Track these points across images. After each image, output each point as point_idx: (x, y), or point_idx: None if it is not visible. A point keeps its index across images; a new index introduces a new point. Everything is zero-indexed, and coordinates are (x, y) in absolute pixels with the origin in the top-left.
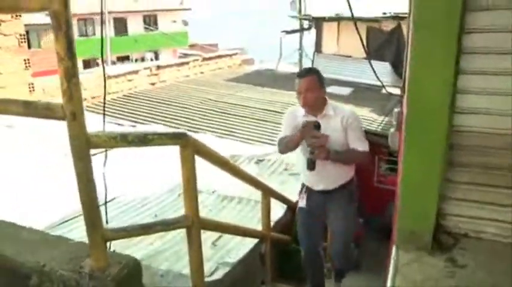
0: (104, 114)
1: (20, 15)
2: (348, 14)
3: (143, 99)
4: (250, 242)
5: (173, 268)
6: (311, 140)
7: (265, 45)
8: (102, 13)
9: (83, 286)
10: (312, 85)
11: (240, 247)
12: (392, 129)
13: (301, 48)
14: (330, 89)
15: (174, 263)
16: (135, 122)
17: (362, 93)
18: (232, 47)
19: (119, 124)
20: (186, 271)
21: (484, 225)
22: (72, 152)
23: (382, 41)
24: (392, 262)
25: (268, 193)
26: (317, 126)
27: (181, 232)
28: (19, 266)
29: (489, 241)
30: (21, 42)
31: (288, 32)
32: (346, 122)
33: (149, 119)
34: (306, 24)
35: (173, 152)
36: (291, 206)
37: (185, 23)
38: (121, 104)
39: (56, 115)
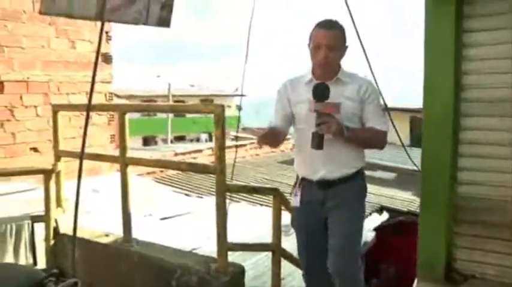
0: (233, 171)
1: (112, 99)
2: (393, 104)
3: (205, 174)
4: None
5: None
6: (317, 107)
7: None
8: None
9: (212, 276)
10: (336, 43)
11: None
12: None
13: None
14: (373, 174)
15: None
16: (199, 193)
17: (405, 178)
18: None
19: (186, 195)
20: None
21: (486, 268)
22: (216, 192)
23: None
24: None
25: None
26: (324, 89)
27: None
28: (169, 265)
29: (490, 280)
30: (111, 120)
31: None
32: (364, 93)
33: (211, 192)
34: None
35: None
36: None
37: (239, 108)
38: (187, 177)
39: (210, 170)
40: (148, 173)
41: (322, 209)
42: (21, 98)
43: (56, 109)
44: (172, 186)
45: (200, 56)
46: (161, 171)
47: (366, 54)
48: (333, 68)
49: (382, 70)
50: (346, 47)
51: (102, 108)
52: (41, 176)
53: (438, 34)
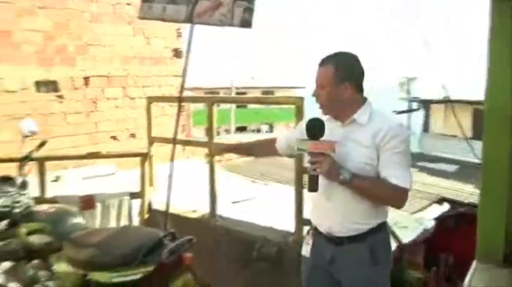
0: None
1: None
2: (456, 96)
3: (267, 163)
4: None
5: None
6: (301, 145)
7: None
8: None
9: (289, 247)
10: (324, 79)
11: None
12: None
13: (409, 127)
14: (435, 166)
15: None
16: (264, 180)
17: (467, 171)
18: None
19: (252, 181)
20: None
21: None
22: (295, 174)
23: None
24: (472, 268)
25: None
26: (318, 125)
27: None
28: (250, 237)
29: None
30: (182, 111)
31: (398, 112)
32: (382, 138)
33: (275, 179)
34: (415, 105)
35: None
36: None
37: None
38: (251, 165)
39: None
40: (217, 161)
41: (330, 268)
42: (103, 91)
43: (150, 101)
44: (238, 173)
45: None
46: (227, 160)
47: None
48: (330, 105)
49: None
50: (346, 83)
51: (191, 100)
52: (120, 162)
53: (500, 30)
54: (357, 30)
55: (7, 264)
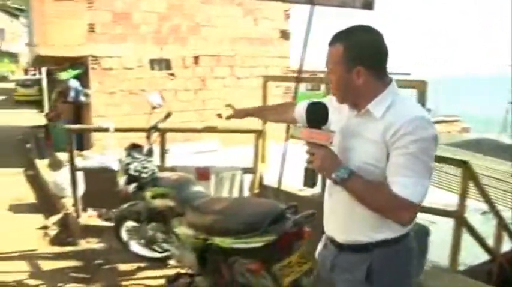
0: None
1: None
2: None
3: None
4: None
5: None
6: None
7: (481, 115)
8: None
9: None
10: (332, 62)
11: (474, 258)
12: None
13: None
14: None
15: None
16: None
17: None
18: (444, 112)
19: None
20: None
21: None
22: None
23: None
24: None
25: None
26: (320, 111)
27: None
28: None
29: None
30: (285, 93)
31: None
32: (392, 134)
33: None
34: None
35: None
36: None
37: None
38: None
39: None
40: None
41: (331, 276)
42: (211, 70)
43: (266, 80)
44: None
45: None
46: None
47: None
48: (340, 92)
49: None
50: (360, 66)
51: (307, 80)
52: (224, 139)
53: None
54: (441, 20)
55: (131, 223)
